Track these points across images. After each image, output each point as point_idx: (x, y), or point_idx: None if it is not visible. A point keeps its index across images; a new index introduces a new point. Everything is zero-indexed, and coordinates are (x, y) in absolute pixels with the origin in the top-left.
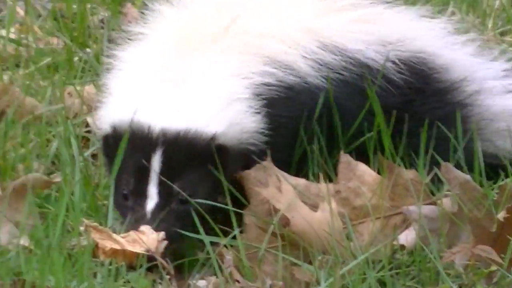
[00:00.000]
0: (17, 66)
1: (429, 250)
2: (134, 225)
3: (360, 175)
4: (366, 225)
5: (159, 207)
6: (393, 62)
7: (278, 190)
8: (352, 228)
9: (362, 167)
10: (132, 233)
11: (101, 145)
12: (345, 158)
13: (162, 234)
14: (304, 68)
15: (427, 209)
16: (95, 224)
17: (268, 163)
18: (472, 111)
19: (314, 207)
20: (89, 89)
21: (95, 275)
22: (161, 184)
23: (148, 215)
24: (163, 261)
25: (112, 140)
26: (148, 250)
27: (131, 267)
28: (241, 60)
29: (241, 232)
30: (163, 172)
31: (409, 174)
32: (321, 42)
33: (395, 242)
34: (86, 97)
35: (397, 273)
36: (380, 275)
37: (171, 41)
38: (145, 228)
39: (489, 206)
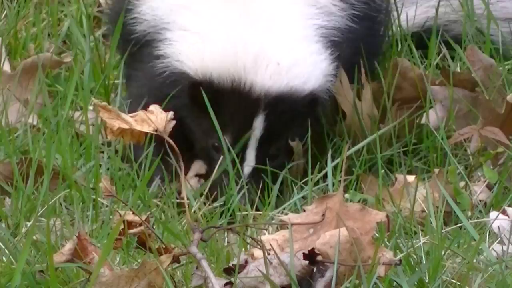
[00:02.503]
0: None
1: (438, 132)
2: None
3: (403, 72)
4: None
5: (254, 170)
6: None
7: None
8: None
9: (406, 63)
10: (140, 113)
11: (187, 90)
12: (395, 62)
13: (171, 114)
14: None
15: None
16: (104, 103)
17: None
18: None
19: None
20: None
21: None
22: (259, 148)
23: (245, 179)
24: (171, 141)
25: (207, 91)
26: (156, 130)
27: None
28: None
29: None
30: (263, 135)
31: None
32: None
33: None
34: None
35: (405, 153)
36: (388, 154)
37: None
38: (153, 107)
39: (500, 87)
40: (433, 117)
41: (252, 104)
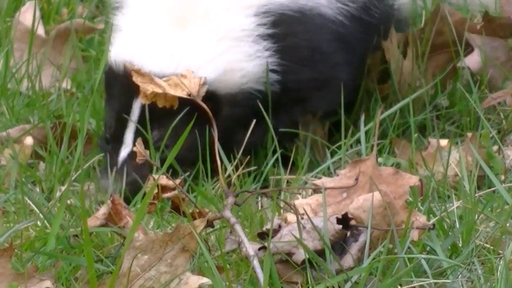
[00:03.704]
0: None
1: (470, 96)
2: (107, 171)
3: (445, 16)
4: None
5: (132, 155)
6: None
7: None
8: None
9: (448, 8)
10: (174, 77)
11: (103, 81)
12: (437, 7)
13: (204, 78)
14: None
15: (490, 39)
16: (138, 67)
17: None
18: None
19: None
20: None
21: None
22: (138, 132)
23: (119, 163)
24: (204, 105)
25: (109, 78)
26: (189, 94)
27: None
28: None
29: None
30: (142, 119)
31: None
32: None
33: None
34: None
35: (437, 117)
36: (421, 118)
37: None
38: (187, 72)
39: None
40: (471, 62)
41: (132, 87)
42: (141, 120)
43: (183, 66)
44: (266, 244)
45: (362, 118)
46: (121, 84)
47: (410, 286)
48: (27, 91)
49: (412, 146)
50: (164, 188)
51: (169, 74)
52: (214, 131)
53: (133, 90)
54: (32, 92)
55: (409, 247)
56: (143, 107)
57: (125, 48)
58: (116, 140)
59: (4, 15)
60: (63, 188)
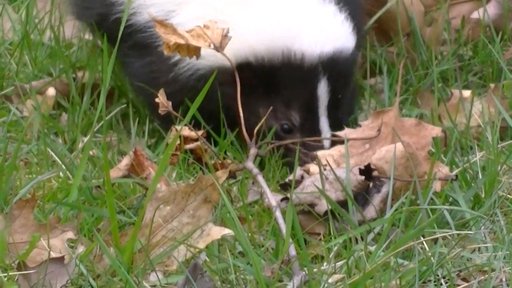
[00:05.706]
0: None
1: (493, 46)
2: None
3: None
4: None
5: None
6: None
7: None
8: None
9: None
10: (197, 28)
11: (235, 76)
12: None
13: (227, 28)
14: None
15: None
16: (160, 19)
17: None
18: None
19: None
20: None
21: None
22: (330, 116)
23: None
24: (227, 56)
25: (259, 71)
26: (212, 45)
27: None
28: None
29: None
30: (329, 100)
31: None
32: None
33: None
34: None
35: (460, 68)
36: (443, 69)
37: None
38: (209, 22)
39: None
40: (488, 12)
41: (310, 72)
42: (329, 103)
43: (338, 39)
44: (288, 195)
45: (385, 68)
46: (290, 73)
47: (432, 237)
48: (49, 42)
49: (435, 97)
50: (187, 139)
51: (335, 52)
52: (237, 86)
53: (311, 73)
54: (55, 43)
55: (431, 198)
56: (328, 88)
57: (265, 34)
58: (308, 129)
59: None
60: (85, 139)
